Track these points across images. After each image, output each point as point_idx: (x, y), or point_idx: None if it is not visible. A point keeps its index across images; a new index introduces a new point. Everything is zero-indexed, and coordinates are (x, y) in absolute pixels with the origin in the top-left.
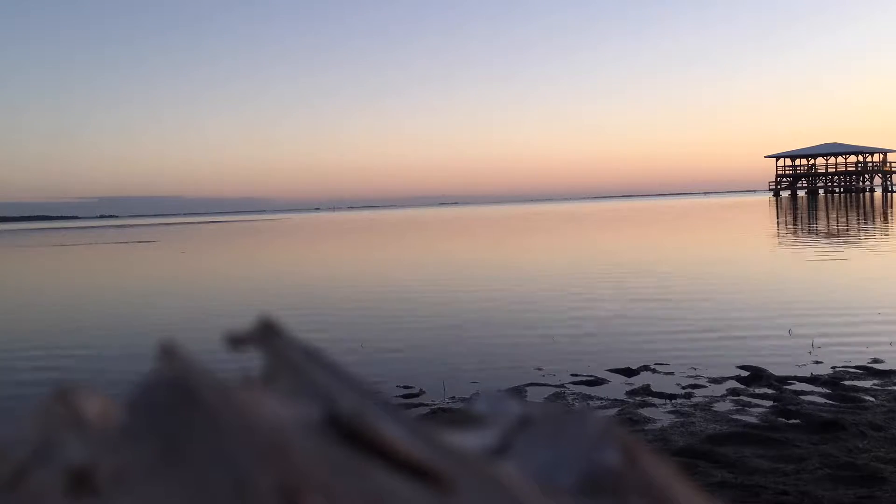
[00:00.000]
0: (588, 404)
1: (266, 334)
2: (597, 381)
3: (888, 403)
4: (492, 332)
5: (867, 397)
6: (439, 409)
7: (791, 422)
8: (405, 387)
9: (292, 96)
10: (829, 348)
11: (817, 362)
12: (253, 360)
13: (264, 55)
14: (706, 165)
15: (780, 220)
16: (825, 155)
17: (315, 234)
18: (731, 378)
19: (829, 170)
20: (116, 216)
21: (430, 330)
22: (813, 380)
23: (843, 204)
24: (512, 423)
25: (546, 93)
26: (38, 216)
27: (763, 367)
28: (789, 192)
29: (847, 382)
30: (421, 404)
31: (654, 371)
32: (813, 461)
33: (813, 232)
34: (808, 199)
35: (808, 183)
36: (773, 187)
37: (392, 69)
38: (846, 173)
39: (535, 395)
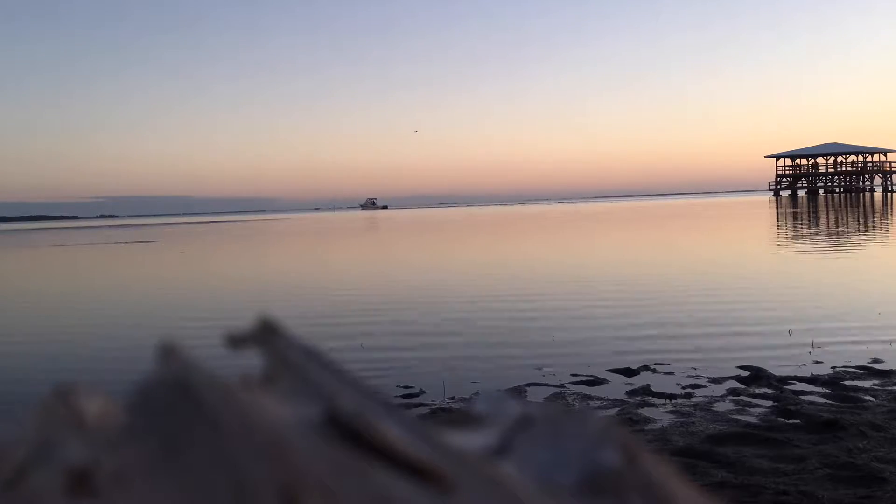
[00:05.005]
0: (588, 404)
1: (266, 334)
2: (597, 381)
3: (888, 403)
4: (492, 332)
5: (867, 397)
6: (439, 409)
7: (791, 422)
8: (405, 387)
9: (291, 96)
10: (829, 348)
11: (817, 362)
12: (253, 360)
13: (264, 54)
14: (706, 165)
15: (780, 220)
16: (825, 155)
17: (314, 234)
18: (731, 378)
19: (830, 170)
20: (116, 216)
21: (430, 330)
22: (813, 380)
23: (843, 204)
24: (512, 423)
25: (546, 92)
26: (38, 216)
27: (763, 367)
28: (789, 192)
29: (847, 382)
30: (421, 404)
31: (654, 371)
32: (813, 461)
33: (813, 232)
34: (808, 199)
35: (808, 183)
36: (773, 187)
37: (393, 68)
38: (846, 173)
39: (535, 395)
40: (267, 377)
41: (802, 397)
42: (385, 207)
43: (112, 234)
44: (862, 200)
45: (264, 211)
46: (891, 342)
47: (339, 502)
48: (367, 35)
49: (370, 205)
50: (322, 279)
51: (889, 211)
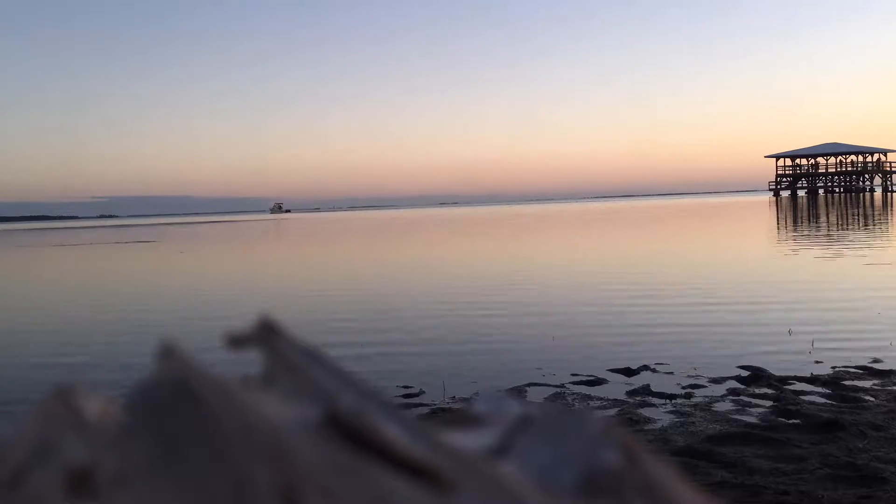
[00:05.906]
0: (588, 404)
1: (266, 334)
2: (597, 381)
3: (888, 403)
4: (492, 331)
5: (867, 397)
6: (439, 409)
7: (791, 422)
8: (405, 387)
9: (291, 96)
10: (829, 348)
11: (817, 362)
12: (253, 360)
13: (264, 54)
14: (706, 165)
15: (780, 220)
16: (825, 155)
17: (314, 234)
18: (731, 378)
19: (829, 170)
20: (116, 216)
21: (430, 330)
22: (813, 380)
23: (843, 204)
24: (512, 423)
25: (546, 91)
26: (38, 216)
27: (763, 367)
28: (789, 192)
29: (847, 382)
30: (421, 404)
31: (654, 371)
32: (813, 461)
33: (813, 232)
34: (807, 199)
35: (808, 183)
36: (773, 187)
37: (393, 68)
38: (846, 173)
39: (535, 395)
40: (267, 377)
41: (802, 397)
42: (288, 211)
43: (112, 234)
44: (862, 200)
45: (263, 211)
46: (891, 342)
47: (339, 502)
48: (368, 34)
49: (277, 209)
50: (323, 279)
51: (889, 211)
